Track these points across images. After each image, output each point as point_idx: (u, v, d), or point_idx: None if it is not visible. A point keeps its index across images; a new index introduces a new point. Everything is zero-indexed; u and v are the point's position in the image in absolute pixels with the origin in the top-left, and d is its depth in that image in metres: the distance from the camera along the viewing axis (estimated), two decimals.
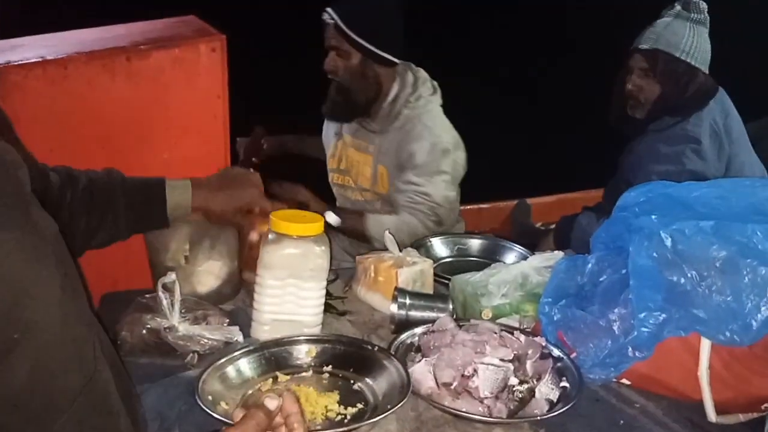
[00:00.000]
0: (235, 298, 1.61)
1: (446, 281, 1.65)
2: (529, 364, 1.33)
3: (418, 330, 1.43)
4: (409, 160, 2.22)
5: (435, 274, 1.66)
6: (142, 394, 1.22)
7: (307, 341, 1.37)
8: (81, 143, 2.05)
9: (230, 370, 1.28)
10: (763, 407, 1.27)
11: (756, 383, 1.27)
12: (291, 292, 1.41)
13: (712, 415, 1.28)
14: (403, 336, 1.42)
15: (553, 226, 2.80)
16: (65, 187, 1.30)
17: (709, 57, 2.41)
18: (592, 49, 4.90)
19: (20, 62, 2.00)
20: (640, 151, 2.45)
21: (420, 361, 1.32)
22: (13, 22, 2.21)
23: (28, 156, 1.16)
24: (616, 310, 1.32)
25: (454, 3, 6.55)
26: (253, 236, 1.47)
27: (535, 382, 1.30)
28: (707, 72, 2.42)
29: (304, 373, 1.32)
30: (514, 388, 1.29)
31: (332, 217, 1.98)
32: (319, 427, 1.18)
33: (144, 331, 1.38)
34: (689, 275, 1.27)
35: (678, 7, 2.39)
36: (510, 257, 1.88)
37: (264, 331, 1.42)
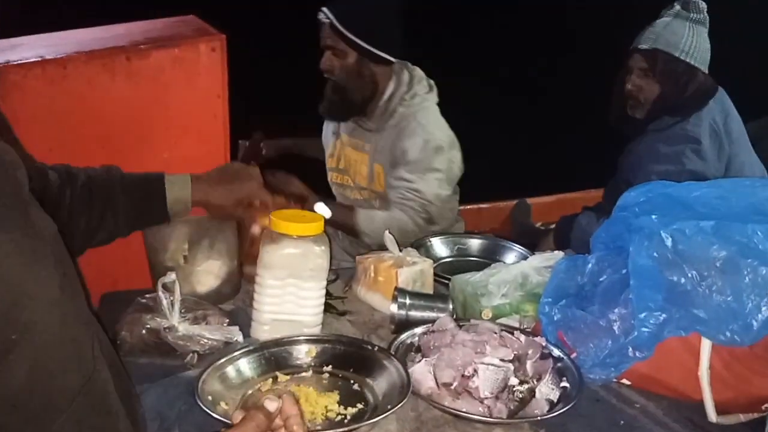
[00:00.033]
0: (235, 297, 1.61)
1: (446, 281, 1.64)
2: (529, 365, 1.33)
3: (418, 330, 1.43)
4: (401, 157, 2.22)
5: (435, 274, 1.66)
6: (142, 394, 1.22)
7: (307, 341, 1.37)
8: (80, 143, 2.05)
9: (230, 370, 1.27)
10: (763, 407, 1.27)
11: (756, 383, 1.27)
12: (291, 292, 1.41)
13: (712, 416, 1.28)
14: (403, 336, 1.42)
15: (553, 226, 2.79)
16: (64, 185, 1.30)
17: (708, 57, 2.41)
18: (592, 49, 4.90)
19: (19, 62, 2.00)
20: (640, 151, 2.45)
21: (420, 361, 1.32)
22: (13, 21, 2.21)
23: (27, 156, 1.16)
24: (616, 310, 1.32)
25: (454, 3, 6.54)
26: (255, 229, 1.47)
27: (535, 383, 1.30)
28: (707, 72, 2.42)
29: (304, 373, 1.32)
30: (515, 389, 1.29)
31: (323, 209, 1.98)
32: (319, 428, 1.18)
33: (144, 331, 1.38)
34: (690, 275, 1.27)
35: (677, 7, 2.39)
36: (510, 257, 1.88)
37: (264, 331, 1.42)
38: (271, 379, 1.29)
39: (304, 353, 1.35)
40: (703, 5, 2.39)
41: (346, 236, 2.39)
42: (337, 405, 1.22)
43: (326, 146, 2.53)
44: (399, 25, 2.26)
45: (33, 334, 0.73)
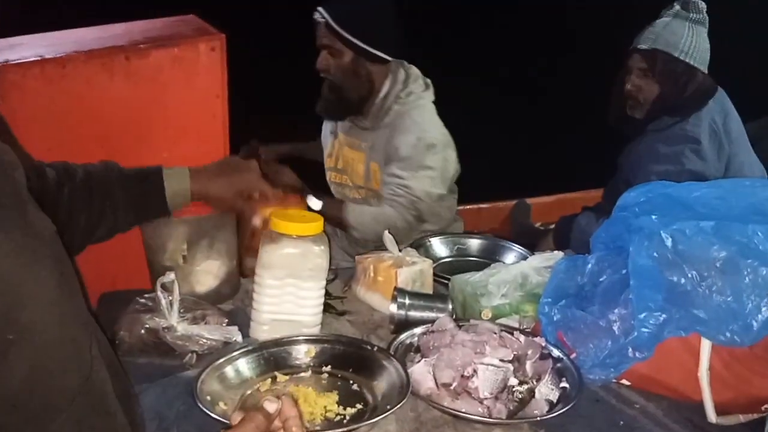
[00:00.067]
0: (234, 297, 1.60)
1: (446, 281, 1.64)
2: (528, 365, 1.33)
3: (418, 330, 1.43)
4: (394, 153, 2.23)
5: (434, 274, 1.66)
6: (141, 394, 1.21)
7: (306, 341, 1.37)
8: (79, 142, 2.05)
9: (229, 370, 1.27)
10: (763, 408, 1.27)
11: (756, 384, 1.27)
12: (290, 291, 1.41)
13: (712, 416, 1.27)
14: (403, 336, 1.42)
15: (552, 226, 2.79)
16: (62, 182, 1.29)
17: (708, 57, 2.41)
18: (592, 49, 4.89)
19: (18, 61, 2.00)
20: (640, 151, 2.45)
21: (419, 361, 1.32)
22: (13, 21, 2.21)
23: (25, 156, 1.16)
24: (616, 311, 1.32)
25: (454, 3, 6.54)
26: (256, 221, 1.46)
27: (534, 383, 1.30)
28: (706, 72, 2.42)
29: (303, 374, 1.32)
30: (514, 389, 1.29)
31: (314, 202, 1.99)
32: (318, 428, 1.17)
33: (142, 331, 1.38)
34: (690, 275, 1.27)
35: (677, 7, 2.39)
36: (510, 257, 1.88)
37: (263, 331, 1.42)
38: (270, 380, 1.29)
39: (303, 353, 1.35)
40: (703, 5, 2.39)
41: (345, 236, 2.40)
42: (336, 405, 1.22)
43: (325, 146, 2.54)
44: (395, 24, 2.27)
45: (32, 335, 0.73)
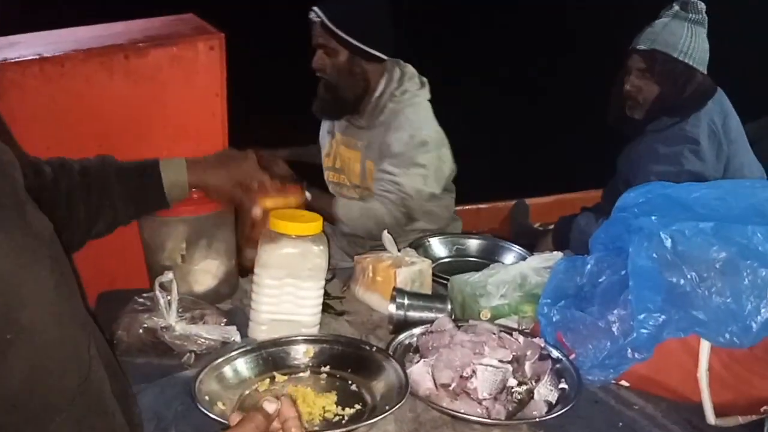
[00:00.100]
0: (233, 297, 1.60)
1: (445, 281, 1.64)
2: (527, 366, 1.33)
3: (417, 330, 1.43)
4: (387, 150, 2.23)
5: (433, 275, 1.66)
6: (139, 394, 1.21)
7: (305, 341, 1.36)
8: (78, 141, 2.04)
9: (227, 370, 1.27)
10: (762, 409, 1.27)
11: (756, 385, 1.27)
12: (289, 291, 1.41)
13: (711, 417, 1.27)
14: (402, 336, 1.41)
15: (551, 227, 2.79)
16: (59, 177, 1.29)
17: (707, 57, 2.41)
18: (592, 49, 4.90)
19: (17, 60, 1.99)
20: (639, 152, 2.45)
21: (418, 361, 1.32)
22: (13, 21, 2.20)
23: (22, 154, 1.16)
24: (615, 311, 1.31)
25: (454, 3, 6.55)
26: (256, 211, 1.45)
27: (533, 384, 1.30)
28: (705, 72, 2.42)
29: (301, 374, 1.32)
30: (513, 390, 1.28)
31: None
32: (316, 428, 1.17)
33: (141, 331, 1.37)
34: (689, 276, 1.26)
35: (676, 8, 2.39)
36: (509, 258, 1.88)
37: (261, 331, 1.42)
38: (268, 380, 1.29)
39: (301, 353, 1.35)
40: (702, 6, 2.39)
41: (344, 236, 2.39)
42: (334, 405, 1.22)
43: (322, 146, 2.54)
44: (390, 23, 2.27)
45: (32, 335, 0.73)
